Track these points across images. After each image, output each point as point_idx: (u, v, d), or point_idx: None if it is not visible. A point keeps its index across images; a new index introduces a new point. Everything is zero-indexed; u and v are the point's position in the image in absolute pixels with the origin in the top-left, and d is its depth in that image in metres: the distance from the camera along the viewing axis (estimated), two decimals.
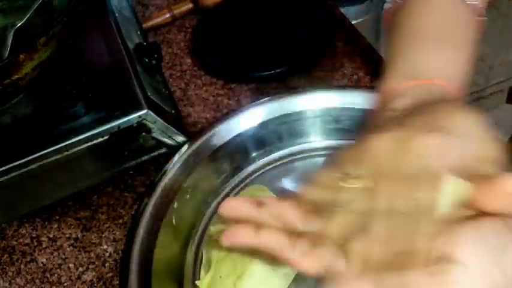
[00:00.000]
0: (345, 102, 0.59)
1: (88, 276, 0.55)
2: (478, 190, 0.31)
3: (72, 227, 0.59)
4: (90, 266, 0.56)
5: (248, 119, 0.59)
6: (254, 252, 0.38)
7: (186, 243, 0.53)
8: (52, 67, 0.56)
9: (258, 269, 0.43)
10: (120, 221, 0.59)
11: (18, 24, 0.57)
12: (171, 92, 0.68)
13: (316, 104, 0.59)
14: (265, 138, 0.60)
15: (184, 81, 0.72)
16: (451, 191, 0.32)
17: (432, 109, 0.36)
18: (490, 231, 0.32)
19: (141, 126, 0.56)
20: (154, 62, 0.65)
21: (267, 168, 0.59)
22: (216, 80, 0.71)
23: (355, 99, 0.58)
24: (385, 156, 0.33)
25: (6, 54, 0.56)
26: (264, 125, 0.59)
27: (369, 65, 0.69)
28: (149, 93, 0.59)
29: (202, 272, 0.50)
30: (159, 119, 0.57)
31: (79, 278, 0.55)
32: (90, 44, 0.64)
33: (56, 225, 0.60)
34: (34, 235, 0.59)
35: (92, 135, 0.55)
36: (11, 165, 0.54)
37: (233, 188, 0.57)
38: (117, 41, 0.64)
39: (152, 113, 0.56)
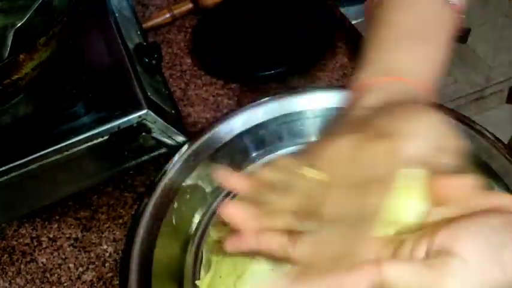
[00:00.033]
0: (344, 103, 0.59)
1: (88, 276, 0.55)
2: (436, 183, 0.34)
3: (72, 227, 0.59)
4: (90, 266, 0.56)
5: (248, 119, 0.59)
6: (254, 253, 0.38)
7: (186, 243, 0.53)
8: (52, 67, 0.56)
9: (258, 269, 0.43)
10: (120, 221, 0.59)
11: (18, 24, 0.57)
12: (171, 92, 0.68)
13: (316, 104, 0.59)
14: (265, 138, 0.60)
15: (184, 81, 0.72)
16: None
17: (394, 111, 0.36)
18: (490, 227, 0.32)
19: (141, 126, 0.56)
20: (154, 62, 0.65)
21: None
22: (216, 80, 0.71)
23: None
24: (341, 160, 0.35)
25: (6, 54, 0.56)
26: (264, 125, 0.59)
27: None
28: (149, 93, 0.59)
29: (202, 272, 0.50)
30: (159, 119, 0.57)
31: (79, 278, 0.55)
32: (90, 44, 0.64)
33: (56, 225, 0.60)
34: (34, 235, 0.59)
35: (92, 135, 0.55)
36: (11, 165, 0.54)
37: None
38: (117, 41, 0.64)
39: (152, 113, 0.56)
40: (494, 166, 0.50)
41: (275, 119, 0.59)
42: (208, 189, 0.57)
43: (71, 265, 0.56)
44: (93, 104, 0.57)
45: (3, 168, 0.54)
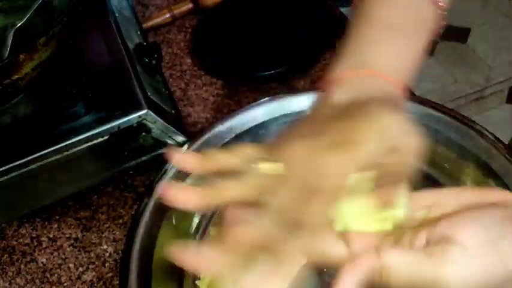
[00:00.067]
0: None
1: (88, 276, 0.55)
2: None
3: (72, 227, 0.59)
4: (90, 266, 0.56)
5: (248, 119, 0.59)
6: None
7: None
8: (52, 67, 0.56)
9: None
10: (120, 221, 0.59)
11: (18, 24, 0.57)
12: (171, 92, 0.68)
13: None
14: (265, 138, 0.60)
15: (184, 81, 0.72)
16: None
17: (355, 111, 0.36)
18: (491, 219, 0.33)
19: (141, 126, 0.56)
20: (154, 62, 0.65)
21: None
22: (216, 80, 0.71)
23: None
24: (296, 161, 0.34)
25: (6, 54, 0.56)
26: (264, 125, 0.59)
27: None
28: (149, 93, 0.59)
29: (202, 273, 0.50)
30: (159, 119, 0.57)
31: (79, 278, 0.55)
32: (90, 44, 0.64)
33: (56, 225, 0.60)
34: (34, 235, 0.59)
35: (92, 135, 0.55)
36: (11, 165, 0.54)
37: None
38: (117, 41, 0.64)
39: (152, 113, 0.56)
40: (494, 166, 0.50)
41: (275, 119, 0.59)
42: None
43: (71, 265, 0.56)
44: (93, 104, 0.57)
45: (3, 168, 0.54)
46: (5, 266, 0.57)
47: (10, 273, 0.57)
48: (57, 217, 0.60)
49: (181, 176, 0.55)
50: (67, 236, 0.59)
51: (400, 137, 0.35)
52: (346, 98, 0.38)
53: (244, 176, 0.35)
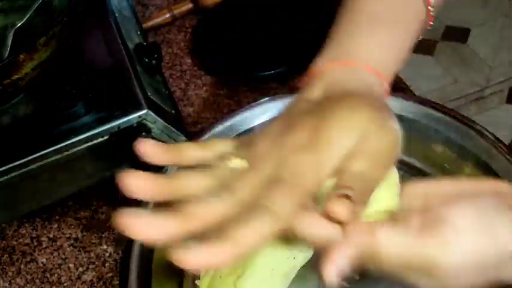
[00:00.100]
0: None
1: (88, 276, 0.55)
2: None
3: (72, 227, 0.59)
4: (90, 266, 0.56)
5: (248, 119, 0.59)
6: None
7: None
8: (52, 67, 0.56)
9: (258, 269, 0.43)
10: None
11: (18, 24, 0.57)
12: (171, 92, 0.68)
13: None
14: None
15: (184, 81, 0.72)
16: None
17: (328, 107, 0.35)
18: (485, 203, 0.33)
19: (141, 126, 0.56)
20: (154, 62, 0.65)
21: None
22: (216, 80, 0.71)
23: None
24: (262, 159, 0.34)
25: (6, 54, 0.56)
26: (264, 125, 0.59)
27: None
28: (149, 93, 0.59)
29: (202, 272, 0.50)
30: (159, 119, 0.57)
31: (79, 278, 0.55)
32: (90, 44, 0.64)
33: (56, 225, 0.60)
34: (34, 235, 0.59)
35: (92, 135, 0.55)
36: (11, 165, 0.54)
37: None
38: (117, 41, 0.64)
39: (152, 113, 0.56)
40: (494, 166, 0.50)
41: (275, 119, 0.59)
42: None
43: (71, 265, 0.56)
44: (93, 104, 0.57)
45: (3, 168, 0.54)
46: (5, 266, 0.57)
47: (10, 273, 0.57)
48: (57, 217, 0.60)
49: None
50: (67, 236, 0.59)
51: (371, 134, 0.34)
52: (319, 93, 0.38)
53: (210, 169, 0.34)
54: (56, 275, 0.56)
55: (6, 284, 0.56)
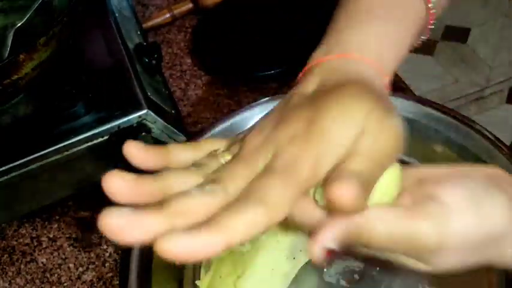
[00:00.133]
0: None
1: (88, 276, 0.55)
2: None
3: (72, 227, 0.59)
4: (90, 266, 0.56)
5: (248, 119, 0.59)
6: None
7: None
8: (52, 67, 0.56)
9: (258, 269, 0.43)
10: None
11: (18, 24, 0.57)
12: (171, 92, 0.69)
13: None
14: None
15: (184, 81, 0.72)
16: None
17: (320, 100, 0.34)
18: (474, 182, 0.33)
19: (141, 126, 0.56)
20: (154, 62, 0.65)
21: None
22: (216, 80, 0.71)
23: None
24: (256, 152, 0.33)
25: (6, 54, 0.56)
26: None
27: None
28: (149, 93, 0.59)
29: (202, 272, 0.50)
30: (159, 119, 0.57)
31: (79, 278, 0.55)
32: (90, 44, 0.64)
33: (56, 225, 0.60)
34: (34, 235, 0.59)
35: (92, 135, 0.55)
36: (11, 165, 0.54)
37: None
38: (117, 41, 0.64)
39: (152, 113, 0.56)
40: None
41: None
42: None
43: (71, 265, 0.56)
44: (93, 104, 0.57)
45: (3, 168, 0.54)
46: (5, 266, 0.57)
47: (10, 273, 0.57)
48: (57, 217, 0.60)
49: None
50: (67, 236, 0.59)
51: (371, 128, 0.32)
52: (315, 85, 0.37)
53: (200, 167, 0.33)
54: (56, 275, 0.56)
55: (6, 284, 0.56)
